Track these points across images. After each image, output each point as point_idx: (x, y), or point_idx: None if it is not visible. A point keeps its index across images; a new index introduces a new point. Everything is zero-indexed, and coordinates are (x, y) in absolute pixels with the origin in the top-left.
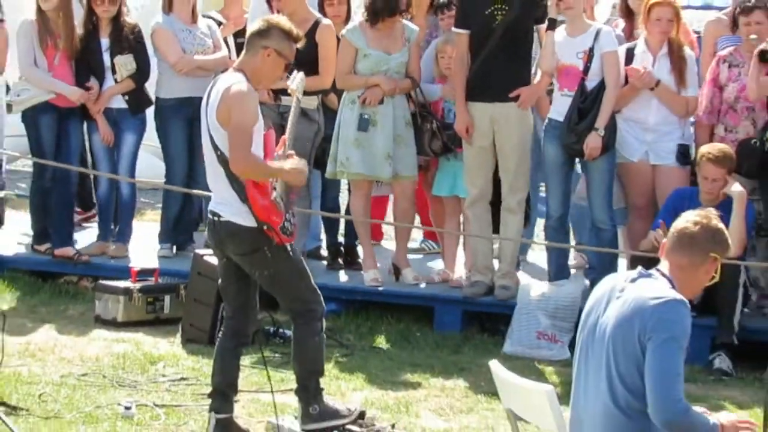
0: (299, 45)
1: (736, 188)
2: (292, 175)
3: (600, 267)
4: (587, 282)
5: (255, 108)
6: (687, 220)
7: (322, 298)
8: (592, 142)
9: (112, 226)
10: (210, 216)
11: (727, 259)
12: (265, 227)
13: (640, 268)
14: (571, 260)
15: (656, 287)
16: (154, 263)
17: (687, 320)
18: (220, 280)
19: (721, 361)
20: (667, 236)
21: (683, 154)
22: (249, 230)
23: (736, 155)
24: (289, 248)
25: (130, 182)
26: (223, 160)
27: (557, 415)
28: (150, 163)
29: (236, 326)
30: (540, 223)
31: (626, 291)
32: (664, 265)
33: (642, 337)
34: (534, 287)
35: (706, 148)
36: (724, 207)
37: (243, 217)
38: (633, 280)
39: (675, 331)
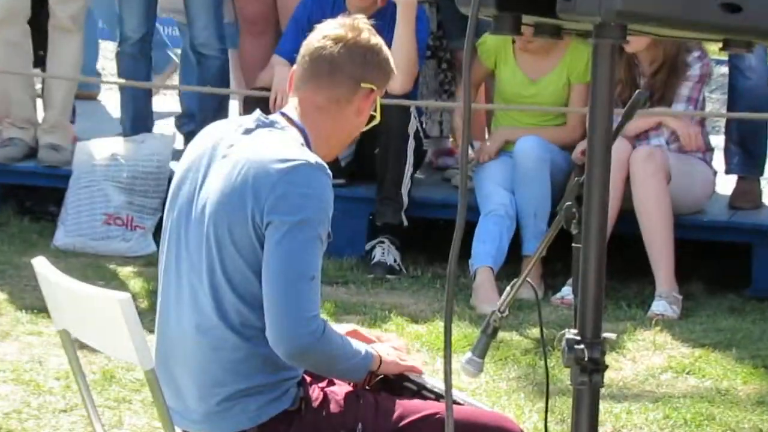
0: None
1: None
2: None
3: (202, 113)
4: (181, 136)
5: None
6: (324, 35)
7: None
8: None
9: None
10: None
11: (389, 95)
12: None
13: (258, 112)
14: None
15: (280, 143)
16: None
17: (327, 193)
18: None
19: (385, 252)
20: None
21: None
22: None
23: None
24: None
25: None
26: None
27: (137, 335)
28: None
29: None
30: None
31: (236, 148)
32: (292, 107)
33: (258, 220)
34: (100, 146)
35: None
36: (383, 17)
37: None
38: (248, 131)
39: (308, 212)
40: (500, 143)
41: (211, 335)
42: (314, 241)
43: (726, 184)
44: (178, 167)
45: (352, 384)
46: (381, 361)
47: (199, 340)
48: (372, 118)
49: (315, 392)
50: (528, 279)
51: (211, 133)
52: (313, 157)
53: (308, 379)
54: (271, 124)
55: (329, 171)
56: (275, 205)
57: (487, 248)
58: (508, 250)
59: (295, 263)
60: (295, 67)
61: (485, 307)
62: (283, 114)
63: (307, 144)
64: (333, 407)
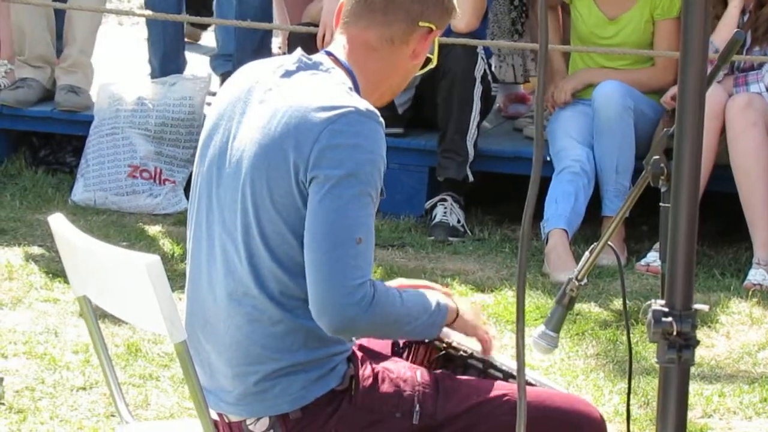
0: None
1: None
2: None
3: (239, 53)
4: (217, 77)
5: None
6: None
7: None
8: None
9: None
10: None
11: (454, 33)
12: None
13: (300, 52)
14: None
15: (325, 87)
16: None
17: (378, 143)
18: None
19: (447, 211)
20: None
21: None
22: None
23: None
24: None
25: None
26: None
27: (166, 303)
28: None
29: None
30: None
31: (275, 93)
32: (340, 45)
33: (302, 176)
34: (124, 89)
35: None
36: None
37: None
38: (288, 74)
39: (356, 165)
40: (579, 84)
41: (246, 305)
42: (363, 198)
43: None
44: (209, 114)
45: (410, 359)
46: (458, 315)
47: (234, 311)
48: (428, 60)
49: (367, 369)
50: (609, 243)
51: (245, 75)
52: (362, 103)
53: (359, 354)
54: (315, 66)
55: (381, 119)
56: (319, 158)
57: (560, 208)
58: (585, 210)
59: (339, 223)
60: (342, 0)
61: (560, 275)
62: (329, 54)
63: (356, 88)
64: (387, 387)
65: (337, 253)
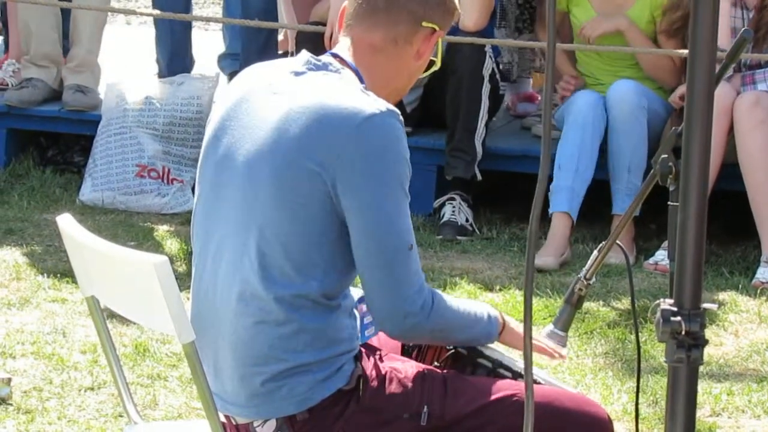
0: None
1: None
2: None
3: (246, 54)
4: (225, 76)
5: None
6: None
7: None
8: None
9: None
10: None
11: (462, 32)
12: None
13: (308, 54)
14: None
15: (341, 88)
16: None
17: (405, 143)
18: None
19: (455, 210)
20: None
21: None
22: None
23: None
24: None
25: None
26: None
27: (174, 303)
28: None
29: None
30: None
31: (286, 94)
32: (345, 47)
33: (327, 179)
34: (132, 88)
35: None
36: None
37: None
38: (298, 74)
39: (390, 168)
40: (611, 27)
41: (253, 306)
42: (403, 203)
43: None
44: (213, 115)
45: (419, 359)
46: (504, 327)
47: (240, 312)
48: (432, 63)
49: (374, 370)
50: (618, 242)
51: (252, 76)
52: (383, 103)
53: (366, 353)
54: (325, 67)
55: (401, 117)
56: (351, 164)
57: (561, 179)
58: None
59: (391, 233)
60: (346, 2)
61: (544, 259)
62: (335, 55)
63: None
64: (395, 387)
65: (395, 263)
